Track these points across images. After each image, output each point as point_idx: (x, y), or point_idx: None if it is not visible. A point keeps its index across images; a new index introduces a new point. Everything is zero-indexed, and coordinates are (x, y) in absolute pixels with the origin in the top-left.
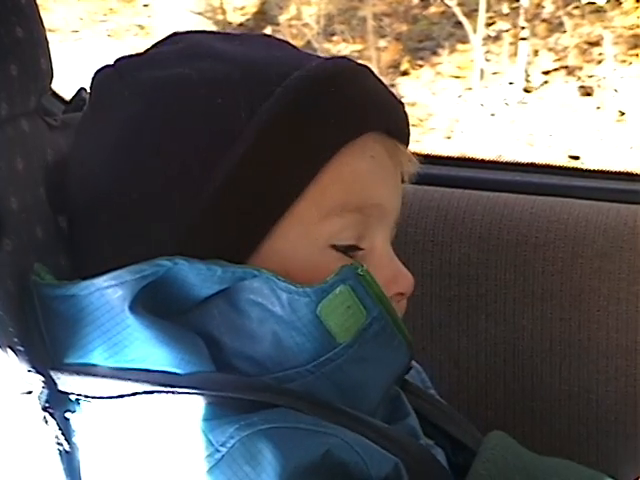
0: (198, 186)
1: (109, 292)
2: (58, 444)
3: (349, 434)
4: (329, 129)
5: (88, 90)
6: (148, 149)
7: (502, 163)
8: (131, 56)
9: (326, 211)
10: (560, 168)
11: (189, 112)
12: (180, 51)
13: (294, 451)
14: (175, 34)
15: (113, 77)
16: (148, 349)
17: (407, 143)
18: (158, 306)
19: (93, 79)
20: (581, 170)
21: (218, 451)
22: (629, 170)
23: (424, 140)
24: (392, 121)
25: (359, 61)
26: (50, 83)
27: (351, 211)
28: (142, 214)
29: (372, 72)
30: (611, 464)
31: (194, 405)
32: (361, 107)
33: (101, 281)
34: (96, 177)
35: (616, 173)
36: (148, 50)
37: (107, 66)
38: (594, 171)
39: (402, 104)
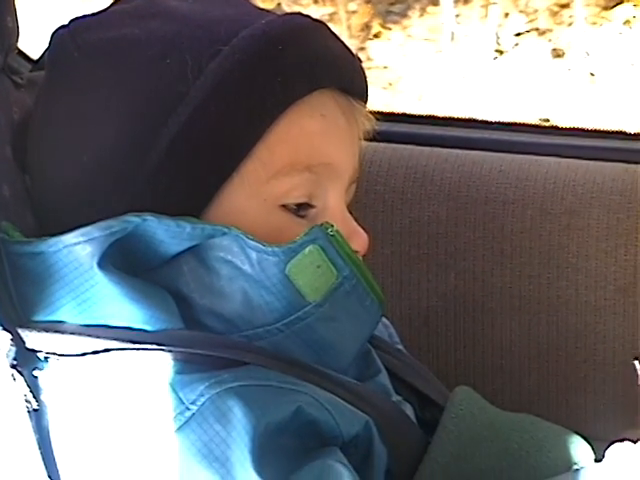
0: (145, 147)
1: (77, 249)
2: (26, 402)
3: (320, 392)
4: (275, 88)
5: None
6: (96, 111)
7: (471, 121)
8: (85, 16)
9: (274, 171)
10: (529, 126)
11: (137, 73)
12: (132, 10)
13: (264, 409)
14: None
15: (66, 38)
16: (117, 306)
17: (365, 100)
18: (127, 263)
19: (50, 39)
20: (550, 128)
21: (188, 409)
22: (597, 127)
23: (395, 103)
24: (347, 78)
25: (328, 23)
26: (16, 42)
27: (300, 170)
28: (92, 176)
29: (328, 28)
30: (580, 420)
31: (163, 362)
32: (310, 64)
33: (69, 238)
34: (49, 140)
35: (584, 130)
36: (104, 10)
37: (62, 27)
38: (562, 129)
39: (359, 60)
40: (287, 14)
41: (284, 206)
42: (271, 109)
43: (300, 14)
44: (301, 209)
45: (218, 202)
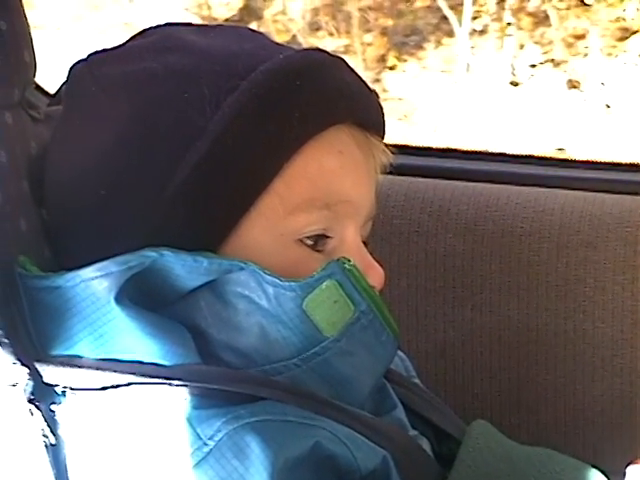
0: (163, 181)
1: (94, 283)
2: (44, 436)
3: (337, 426)
4: (294, 123)
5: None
6: (113, 145)
7: (487, 154)
8: (103, 51)
9: (292, 206)
10: (545, 159)
11: (155, 107)
12: (150, 44)
13: (282, 444)
14: (150, 27)
15: (84, 72)
16: (134, 340)
17: (382, 135)
18: (144, 297)
19: (68, 74)
20: (566, 160)
21: (206, 445)
22: (613, 160)
23: (410, 134)
24: (364, 113)
25: (343, 55)
26: (34, 76)
27: (318, 207)
28: (110, 210)
29: (345, 63)
30: (597, 454)
31: (180, 397)
32: (328, 100)
33: (87, 272)
34: (67, 173)
35: (600, 163)
36: (122, 44)
37: (80, 61)
38: (579, 161)
39: (376, 95)
40: (304, 49)
41: (301, 241)
42: (288, 144)
43: (318, 49)
44: (318, 244)
45: (235, 236)
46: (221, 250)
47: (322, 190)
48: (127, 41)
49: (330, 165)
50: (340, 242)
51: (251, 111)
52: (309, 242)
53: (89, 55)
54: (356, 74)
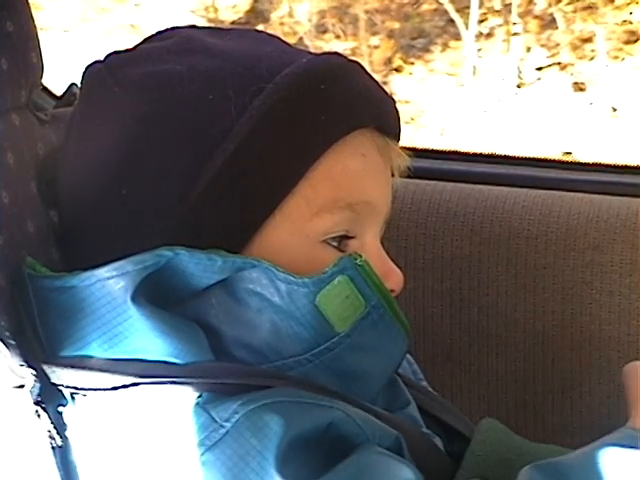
0: (187, 182)
1: (111, 283)
2: (50, 438)
3: (351, 408)
4: (319, 126)
5: (79, 85)
6: (137, 145)
7: (494, 156)
8: (121, 52)
9: (317, 208)
10: (552, 161)
11: (179, 108)
12: (171, 46)
13: (299, 422)
14: (166, 30)
15: (103, 73)
16: (148, 340)
17: (398, 139)
18: (157, 296)
19: (84, 74)
20: (573, 163)
21: (222, 427)
22: (620, 163)
23: (417, 137)
24: (383, 117)
25: (351, 58)
26: (41, 77)
27: (341, 208)
28: (130, 210)
29: (363, 68)
30: None
31: (193, 395)
32: (352, 104)
33: (102, 272)
34: (85, 172)
35: (608, 166)
36: (138, 45)
37: (97, 62)
38: (586, 164)
39: (393, 100)
40: (324, 53)
41: (325, 241)
42: (315, 147)
43: (336, 53)
44: (341, 244)
45: (260, 238)
46: (245, 252)
47: (345, 191)
48: (140, 43)
49: (353, 167)
50: (361, 245)
51: (279, 114)
52: (334, 243)
53: (107, 56)
54: (374, 79)
